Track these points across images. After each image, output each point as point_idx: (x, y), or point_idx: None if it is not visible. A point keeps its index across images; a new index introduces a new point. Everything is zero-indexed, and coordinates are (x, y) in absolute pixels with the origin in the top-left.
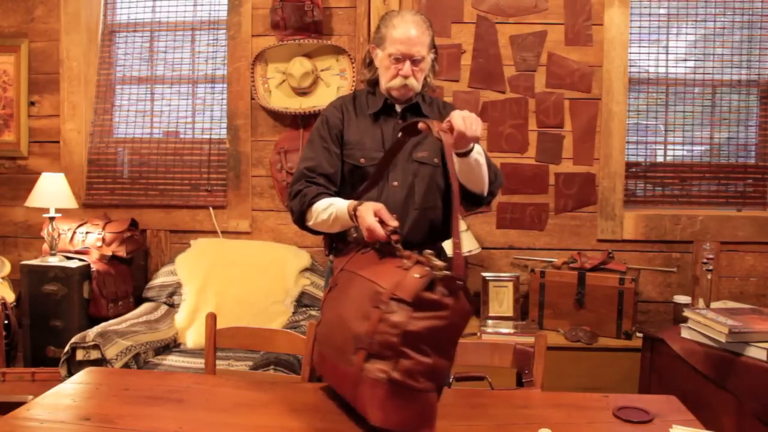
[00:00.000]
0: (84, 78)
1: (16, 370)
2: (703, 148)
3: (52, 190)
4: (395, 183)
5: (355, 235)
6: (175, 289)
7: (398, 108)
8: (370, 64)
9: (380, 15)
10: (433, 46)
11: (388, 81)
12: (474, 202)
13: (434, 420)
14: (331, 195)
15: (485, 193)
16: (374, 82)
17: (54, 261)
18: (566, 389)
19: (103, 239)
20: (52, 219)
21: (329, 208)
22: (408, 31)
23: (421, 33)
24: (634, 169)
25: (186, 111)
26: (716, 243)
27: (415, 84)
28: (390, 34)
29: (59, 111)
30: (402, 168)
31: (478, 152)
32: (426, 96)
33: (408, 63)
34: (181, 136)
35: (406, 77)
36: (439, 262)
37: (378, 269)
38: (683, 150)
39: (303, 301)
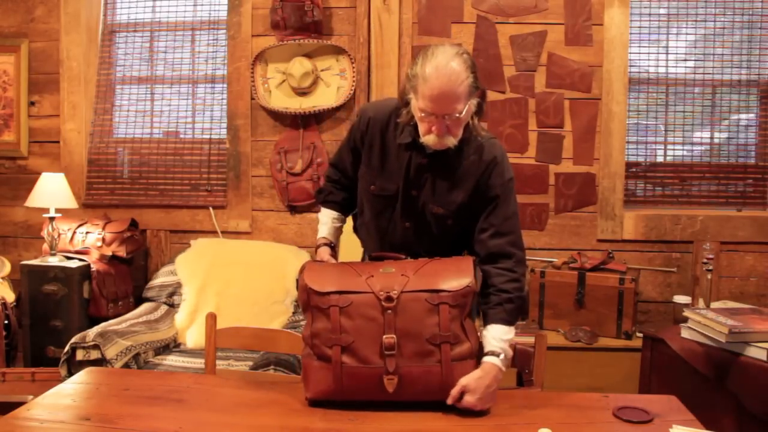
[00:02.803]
0: (84, 78)
1: (16, 370)
2: (703, 148)
3: (52, 190)
4: (408, 224)
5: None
6: (175, 289)
7: (428, 149)
8: (407, 104)
9: (380, 15)
10: (477, 87)
11: (422, 134)
12: None
13: None
14: (340, 191)
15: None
16: (412, 121)
17: (54, 261)
18: (566, 389)
19: (103, 239)
20: (52, 219)
21: (319, 225)
22: (439, 87)
23: (457, 86)
24: (634, 169)
25: (186, 111)
26: (716, 243)
27: (452, 140)
28: (421, 88)
29: (59, 111)
30: (417, 211)
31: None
32: (466, 142)
33: (440, 122)
34: (181, 136)
35: (438, 135)
36: None
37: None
38: (683, 150)
39: None
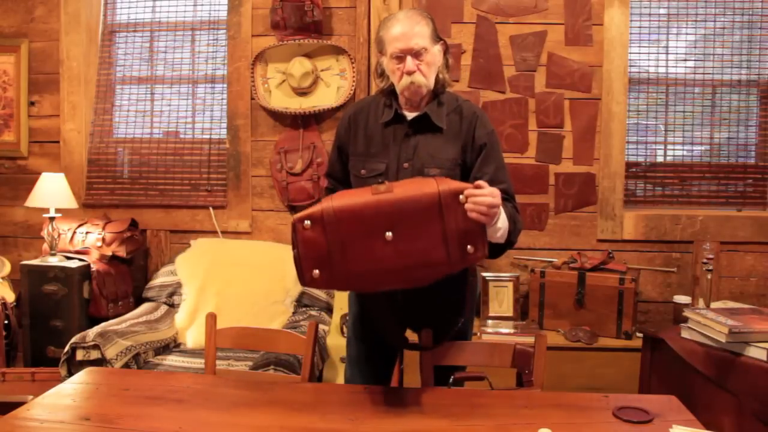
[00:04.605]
0: (84, 78)
1: (16, 370)
2: (703, 148)
3: (52, 190)
4: None
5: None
6: (175, 289)
7: (409, 117)
8: (381, 74)
9: (380, 15)
10: (439, 39)
11: (397, 84)
12: (493, 251)
13: None
14: (342, 188)
15: (503, 243)
16: (389, 92)
17: (54, 261)
18: (566, 389)
19: (103, 239)
20: (52, 219)
21: None
22: (402, 25)
23: (416, 23)
24: (634, 169)
25: (186, 111)
26: (716, 243)
27: (423, 80)
28: (387, 36)
29: (59, 111)
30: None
31: (500, 221)
32: (442, 98)
33: (409, 59)
34: (181, 136)
35: (410, 74)
36: None
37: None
38: (683, 150)
39: (303, 301)
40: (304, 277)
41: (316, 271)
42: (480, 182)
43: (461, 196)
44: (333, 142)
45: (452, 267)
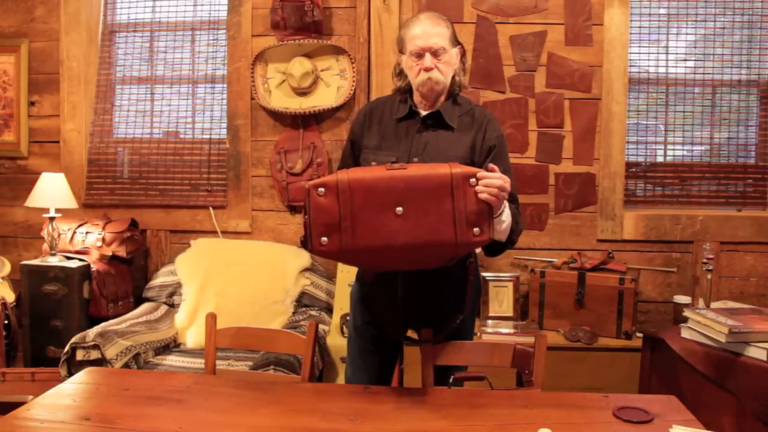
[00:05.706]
0: (84, 78)
1: (16, 370)
2: (703, 148)
3: (52, 190)
4: None
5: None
6: (175, 289)
7: (422, 113)
8: (400, 73)
9: (380, 15)
10: (457, 42)
11: (414, 80)
12: (494, 249)
13: None
14: None
15: (504, 240)
16: (405, 90)
17: (54, 261)
18: (566, 389)
19: (103, 239)
20: (52, 219)
21: None
22: (423, 25)
23: (437, 24)
24: (634, 169)
25: (186, 111)
26: (716, 243)
27: (440, 77)
28: (407, 35)
29: (59, 111)
30: None
31: (505, 214)
32: (459, 98)
33: (428, 56)
34: (181, 136)
35: (428, 70)
36: None
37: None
38: (683, 150)
39: (303, 301)
40: (312, 243)
41: (325, 239)
42: (492, 165)
43: (472, 179)
44: (347, 137)
45: (458, 249)
